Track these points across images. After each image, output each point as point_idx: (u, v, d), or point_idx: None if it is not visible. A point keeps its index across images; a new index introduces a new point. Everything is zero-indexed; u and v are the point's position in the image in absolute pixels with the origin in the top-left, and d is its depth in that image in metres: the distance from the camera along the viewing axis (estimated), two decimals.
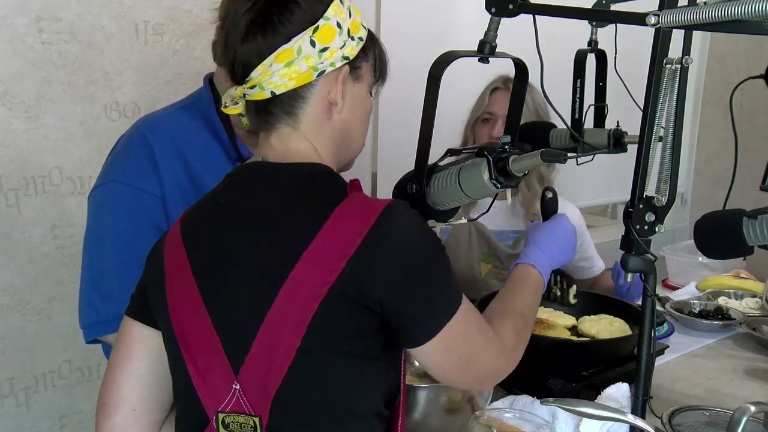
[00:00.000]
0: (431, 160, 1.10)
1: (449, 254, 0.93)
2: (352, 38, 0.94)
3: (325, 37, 0.91)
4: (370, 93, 1.03)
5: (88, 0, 1.69)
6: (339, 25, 0.93)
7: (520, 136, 1.17)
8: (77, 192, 1.74)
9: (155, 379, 0.97)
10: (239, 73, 0.93)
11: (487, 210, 1.31)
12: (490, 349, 0.96)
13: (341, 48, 0.93)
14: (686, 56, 1.00)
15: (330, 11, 0.92)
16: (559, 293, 1.62)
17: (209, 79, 1.37)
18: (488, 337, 0.96)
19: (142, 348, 0.97)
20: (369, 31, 1.00)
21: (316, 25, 0.91)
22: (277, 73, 0.90)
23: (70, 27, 1.68)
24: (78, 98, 1.72)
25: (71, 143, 1.72)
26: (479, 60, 1.12)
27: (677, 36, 1.01)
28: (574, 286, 1.63)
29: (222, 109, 1.00)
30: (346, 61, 0.94)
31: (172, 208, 1.25)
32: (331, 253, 0.84)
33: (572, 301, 1.61)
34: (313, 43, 0.91)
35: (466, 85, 1.87)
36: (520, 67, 1.14)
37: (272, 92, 0.92)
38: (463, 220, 1.70)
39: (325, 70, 0.92)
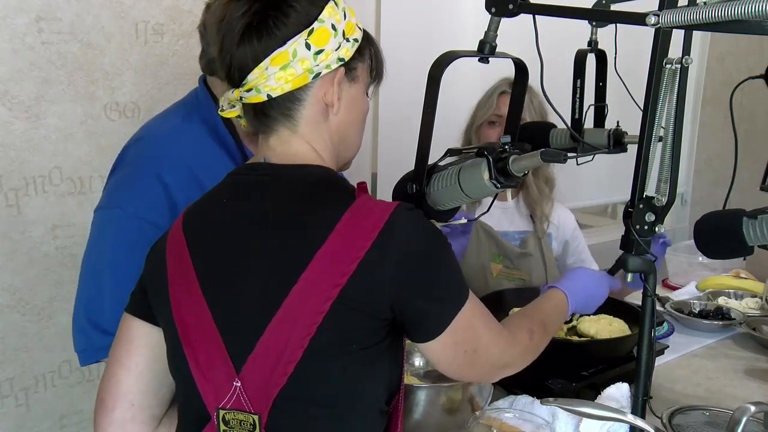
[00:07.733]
0: (431, 160, 1.11)
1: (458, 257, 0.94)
2: (347, 40, 0.95)
3: (320, 40, 0.92)
4: (367, 93, 1.03)
5: (88, 0, 1.69)
6: (334, 28, 0.93)
7: (520, 136, 1.17)
8: (77, 192, 1.74)
9: (154, 374, 0.98)
10: (235, 77, 0.94)
11: (487, 210, 1.30)
12: (498, 341, 0.98)
13: (336, 50, 0.93)
14: (686, 56, 1.00)
15: (324, 14, 0.92)
16: None
17: (204, 80, 1.34)
18: (495, 330, 0.97)
19: (142, 344, 0.98)
20: (364, 32, 1.00)
21: (310, 27, 0.91)
22: (273, 76, 0.91)
23: (70, 27, 1.67)
24: (78, 98, 1.72)
25: (71, 143, 1.72)
26: (479, 60, 1.12)
27: (677, 36, 1.01)
28: None
29: (219, 112, 1.00)
30: (342, 62, 0.94)
31: None
32: (342, 255, 0.84)
33: None
34: (308, 46, 0.91)
35: (466, 85, 1.87)
36: (520, 67, 1.15)
37: (268, 95, 0.92)
38: (463, 220, 1.70)
39: (320, 73, 0.93)
